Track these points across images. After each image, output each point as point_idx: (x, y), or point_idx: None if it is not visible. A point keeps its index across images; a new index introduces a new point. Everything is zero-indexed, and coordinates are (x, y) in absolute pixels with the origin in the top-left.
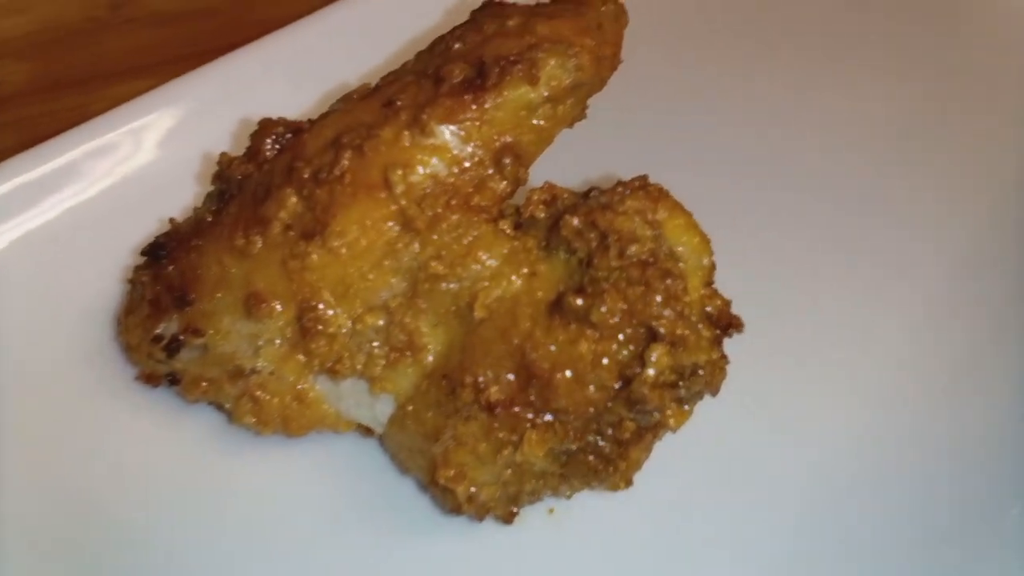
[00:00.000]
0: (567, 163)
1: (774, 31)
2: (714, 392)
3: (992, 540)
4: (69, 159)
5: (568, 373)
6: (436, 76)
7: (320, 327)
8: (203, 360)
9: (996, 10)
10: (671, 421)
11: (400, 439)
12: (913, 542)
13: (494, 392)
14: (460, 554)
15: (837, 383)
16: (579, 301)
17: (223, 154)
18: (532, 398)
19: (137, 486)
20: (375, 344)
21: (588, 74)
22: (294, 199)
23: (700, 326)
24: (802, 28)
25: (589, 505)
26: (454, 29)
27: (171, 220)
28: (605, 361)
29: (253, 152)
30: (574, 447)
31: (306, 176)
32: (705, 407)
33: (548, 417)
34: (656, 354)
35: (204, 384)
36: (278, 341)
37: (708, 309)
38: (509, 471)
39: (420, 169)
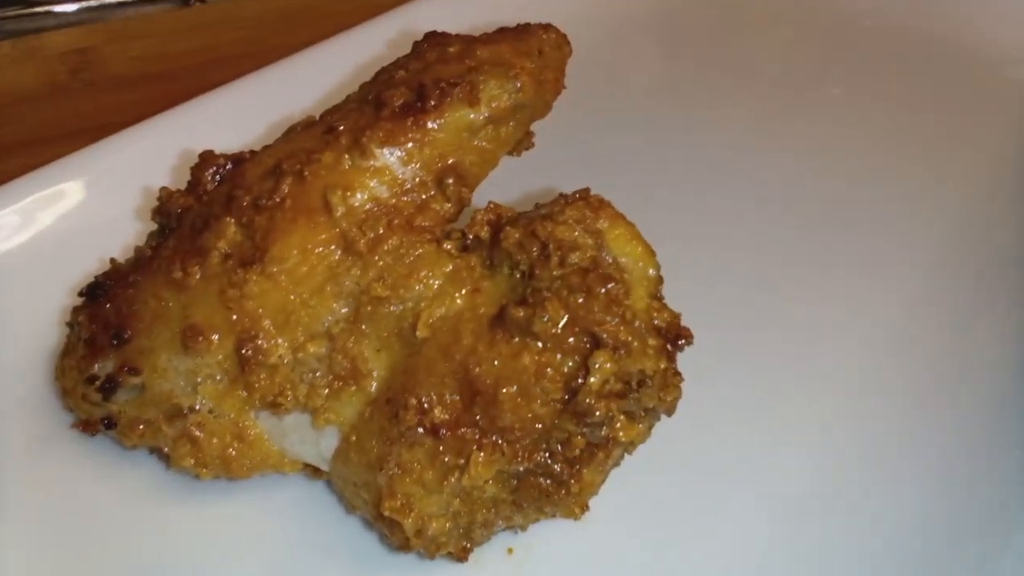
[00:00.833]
0: (516, 190)
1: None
2: (669, 411)
3: (983, 539)
4: (11, 208)
5: (513, 388)
6: (377, 101)
7: (260, 358)
8: (140, 401)
9: (962, 42)
10: (620, 435)
11: (345, 474)
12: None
13: (438, 413)
14: None
15: (806, 405)
16: (520, 312)
17: (163, 188)
18: (477, 417)
19: (72, 541)
20: (317, 373)
21: (529, 95)
22: (233, 228)
23: (646, 335)
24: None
25: (549, 544)
26: (397, 60)
27: (112, 260)
28: (549, 372)
29: (194, 184)
30: (523, 468)
31: (245, 204)
32: (667, 431)
33: (495, 438)
34: (599, 361)
35: (142, 427)
36: (217, 376)
37: (656, 322)
38: (458, 500)
39: (360, 192)
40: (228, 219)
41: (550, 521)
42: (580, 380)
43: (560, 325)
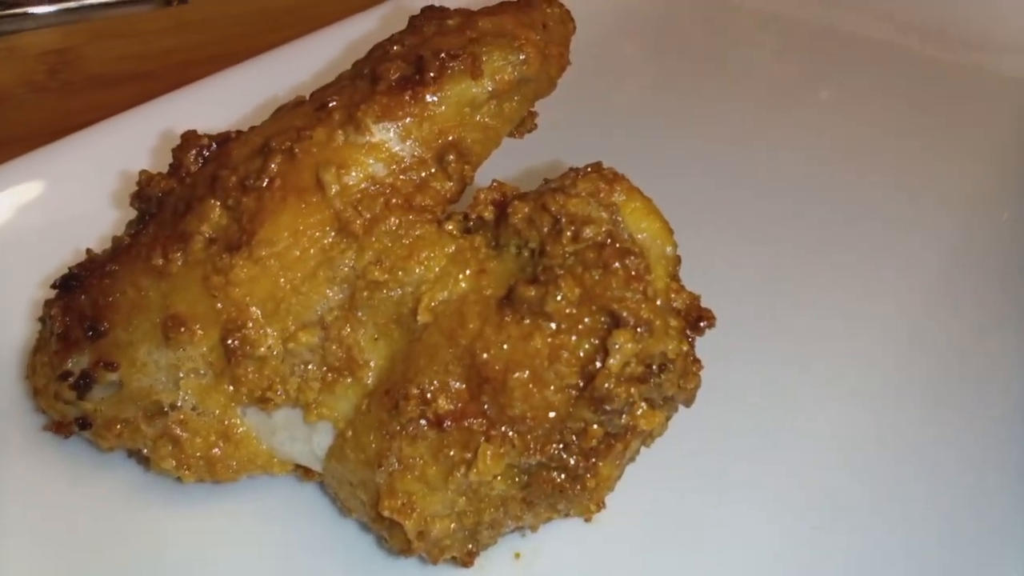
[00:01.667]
0: (518, 174)
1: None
2: (688, 401)
3: (985, 539)
4: None
5: (524, 373)
6: (372, 76)
7: (248, 349)
8: (117, 398)
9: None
10: (641, 422)
11: (340, 473)
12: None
13: (442, 403)
14: None
15: (824, 399)
16: (531, 291)
17: (143, 172)
18: (485, 407)
19: (45, 552)
20: (309, 365)
21: (534, 69)
22: (218, 210)
23: (668, 314)
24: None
25: (558, 548)
26: (392, 35)
27: (88, 251)
28: (564, 355)
29: (176, 166)
30: (535, 461)
31: (231, 184)
32: (680, 431)
33: (505, 429)
34: (620, 340)
35: (119, 427)
36: (201, 370)
37: (675, 304)
38: (464, 499)
39: (356, 170)
40: (212, 201)
41: (559, 524)
42: (598, 364)
43: (575, 303)
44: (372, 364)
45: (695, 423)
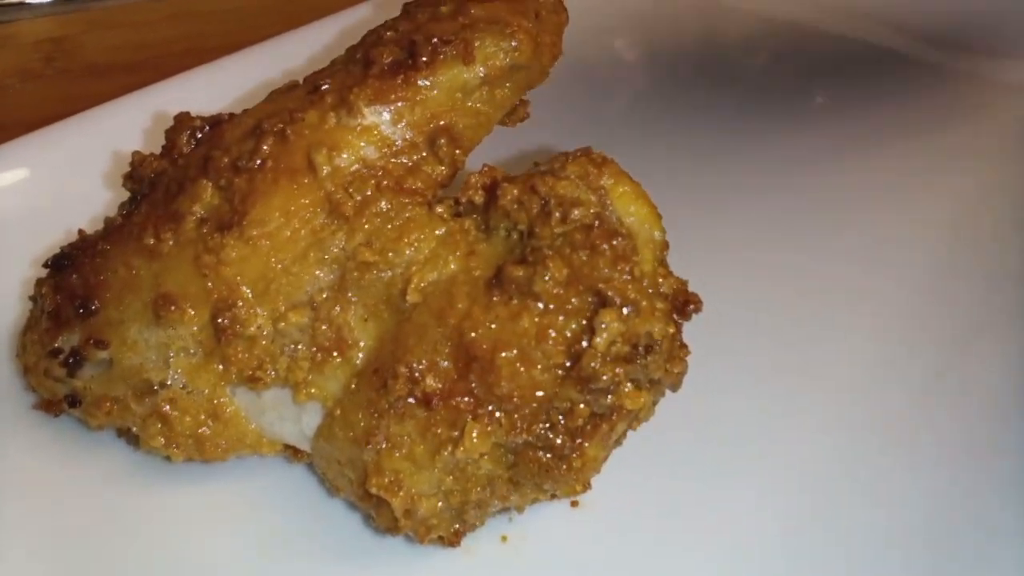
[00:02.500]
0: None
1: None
2: (675, 386)
3: (979, 539)
4: None
5: (512, 352)
6: (365, 60)
7: (238, 328)
8: (107, 376)
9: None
10: (627, 402)
11: (329, 452)
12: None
13: (430, 381)
14: None
15: (814, 389)
16: (520, 271)
17: (135, 153)
18: (473, 385)
19: (33, 531)
20: (299, 345)
21: (526, 56)
22: (210, 191)
23: (654, 295)
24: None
25: (546, 531)
26: (385, 22)
27: (80, 231)
28: (552, 335)
29: (168, 147)
30: (522, 440)
31: (223, 165)
32: (668, 416)
33: (492, 408)
34: (606, 320)
35: (108, 404)
36: (191, 349)
37: (662, 289)
38: (451, 478)
39: (347, 152)
40: (204, 182)
41: (545, 508)
42: (584, 344)
43: (563, 283)
44: (361, 344)
45: (682, 409)
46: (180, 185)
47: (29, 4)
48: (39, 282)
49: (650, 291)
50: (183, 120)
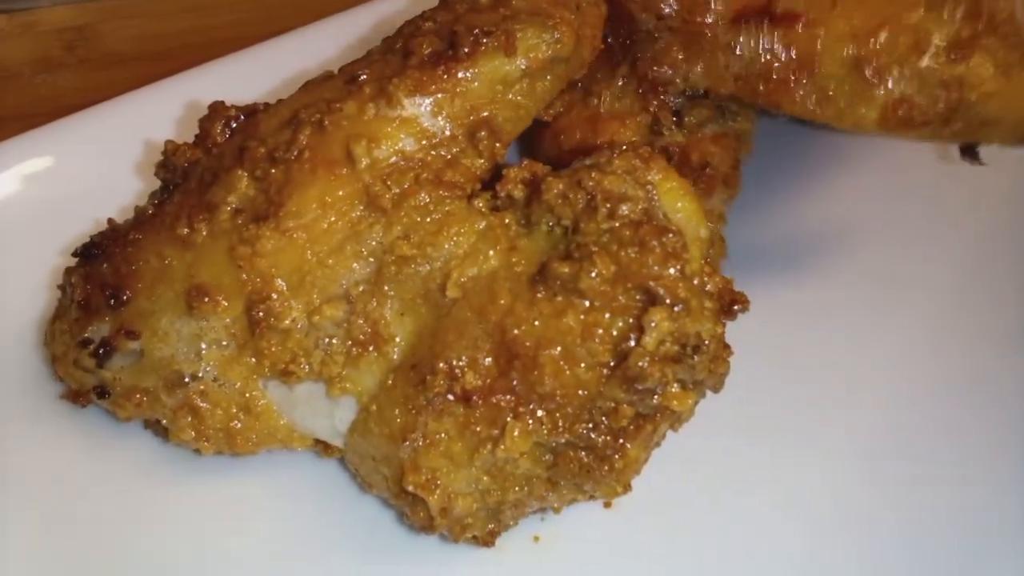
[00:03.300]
0: None
1: None
2: (717, 387)
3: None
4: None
5: (555, 350)
6: (405, 51)
7: (272, 321)
8: (137, 368)
9: None
10: (674, 402)
11: (363, 448)
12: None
13: (470, 378)
14: None
15: (848, 402)
16: (565, 268)
17: (168, 141)
18: (515, 383)
19: (60, 522)
20: (334, 339)
21: (568, 48)
22: (245, 181)
23: (704, 295)
24: None
25: (579, 532)
26: (423, 12)
27: (110, 221)
28: (598, 333)
29: (202, 137)
30: (563, 441)
31: (259, 155)
32: (710, 414)
33: (533, 406)
34: (656, 318)
35: (138, 396)
36: (224, 341)
37: (708, 287)
38: (488, 477)
39: (386, 143)
40: (240, 172)
41: (579, 509)
42: (631, 343)
43: (610, 281)
44: (398, 339)
45: (722, 411)
46: (214, 175)
47: None
48: (68, 271)
49: (699, 290)
50: (218, 109)
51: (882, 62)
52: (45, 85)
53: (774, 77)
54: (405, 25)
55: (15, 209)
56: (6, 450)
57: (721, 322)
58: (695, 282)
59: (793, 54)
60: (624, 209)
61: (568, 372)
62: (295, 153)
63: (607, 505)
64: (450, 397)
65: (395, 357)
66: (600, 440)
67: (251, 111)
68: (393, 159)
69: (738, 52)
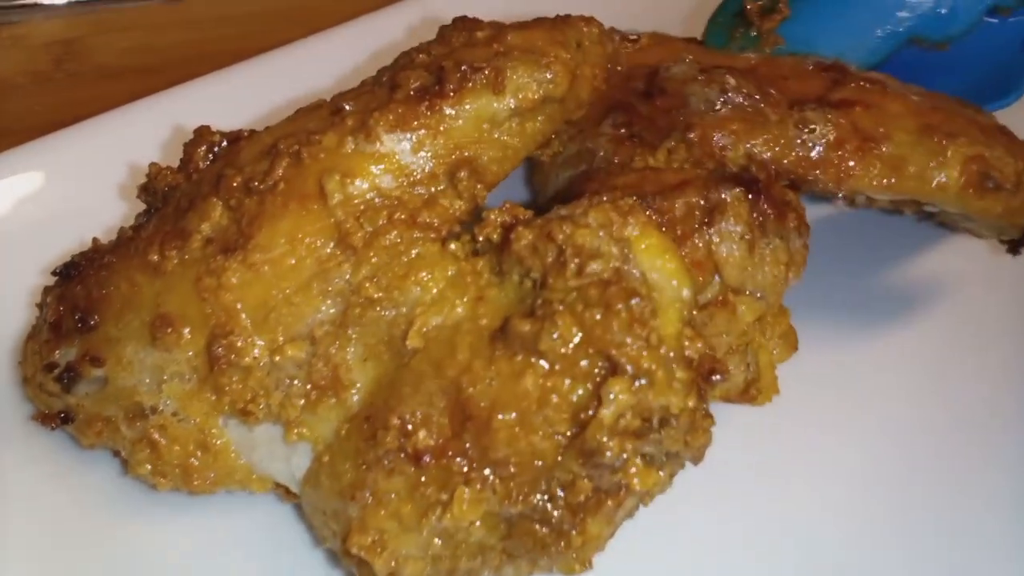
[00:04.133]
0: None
1: None
2: (696, 459)
3: None
4: None
5: (511, 415)
6: (392, 83)
7: (233, 357)
8: (101, 396)
9: None
10: (635, 481)
11: (314, 500)
12: None
13: (422, 437)
14: None
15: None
16: (526, 326)
17: (152, 164)
18: (467, 446)
19: (20, 544)
20: (295, 381)
21: (561, 89)
22: (219, 210)
23: (674, 365)
24: None
25: None
26: (420, 44)
27: (94, 241)
28: (555, 400)
29: (185, 161)
30: (517, 512)
31: (236, 184)
32: (689, 480)
33: (487, 472)
34: (615, 389)
35: (99, 425)
36: (186, 375)
37: (687, 352)
38: (440, 542)
39: (361, 179)
40: (215, 200)
41: None
42: (591, 412)
43: (572, 344)
44: (358, 386)
45: (704, 477)
46: (191, 201)
47: (42, 5)
48: (46, 290)
49: (669, 359)
50: (203, 134)
51: (950, 127)
52: (34, 99)
53: (845, 147)
54: (401, 56)
55: (1, 226)
56: None
57: (697, 392)
58: (663, 351)
59: (859, 127)
60: (594, 266)
61: (523, 439)
62: (270, 184)
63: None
64: (401, 455)
65: (353, 405)
66: (556, 514)
67: (235, 137)
68: (369, 196)
69: (800, 127)
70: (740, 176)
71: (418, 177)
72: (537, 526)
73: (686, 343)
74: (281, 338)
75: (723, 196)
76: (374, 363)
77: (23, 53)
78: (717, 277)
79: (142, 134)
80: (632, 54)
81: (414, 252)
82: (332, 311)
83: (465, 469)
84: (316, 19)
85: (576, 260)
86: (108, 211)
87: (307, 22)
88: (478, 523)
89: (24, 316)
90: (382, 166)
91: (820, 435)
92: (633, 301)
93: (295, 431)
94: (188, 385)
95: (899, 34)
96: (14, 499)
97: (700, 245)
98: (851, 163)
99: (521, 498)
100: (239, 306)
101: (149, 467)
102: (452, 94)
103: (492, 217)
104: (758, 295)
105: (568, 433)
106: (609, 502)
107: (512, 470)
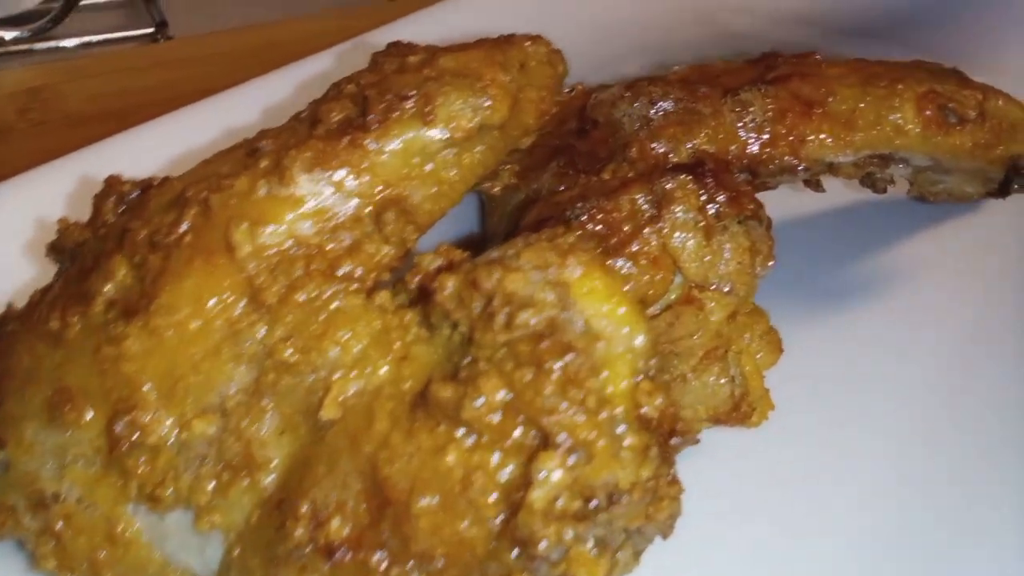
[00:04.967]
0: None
1: None
2: (664, 533)
3: None
4: None
5: (433, 499)
6: (312, 118)
7: (137, 436)
8: (4, 482)
9: None
10: (581, 572)
11: None
12: None
13: (335, 527)
14: None
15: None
16: (448, 390)
17: (61, 220)
18: (386, 536)
19: None
20: (206, 460)
21: (500, 115)
22: (124, 269)
23: (622, 429)
24: None
25: None
26: (351, 74)
27: (9, 305)
28: (481, 479)
29: (94, 215)
30: None
31: (140, 239)
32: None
33: (409, 567)
34: (547, 467)
35: (2, 515)
36: (90, 457)
37: (644, 410)
38: None
39: (275, 227)
40: (118, 258)
41: None
42: (522, 493)
43: (499, 412)
44: (274, 464)
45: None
46: (96, 260)
47: (15, 51)
48: None
49: (613, 426)
50: (112, 184)
51: (894, 74)
52: None
53: (788, 115)
54: (330, 88)
55: None
56: None
57: (657, 459)
58: (602, 416)
59: (799, 95)
60: (524, 317)
61: (448, 527)
62: (175, 237)
63: None
64: (310, 548)
65: (267, 487)
66: None
67: (147, 186)
68: (285, 245)
69: (738, 110)
70: (683, 164)
71: (340, 221)
72: None
73: (643, 399)
74: (189, 412)
75: (668, 185)
76: (290, 437)
77: None
78: (678, 276)
79: (55, 189)
80: (567, 100)
81: (333, 306)
82: (245, 379)
83: (384, 566)
84: (293, 58)
85: (506, 310)
86: (21, 272)
87: (283, 61)
88: None
89: None
90: (299, 211)
91: (817, 446)
92: (568, 357)
93: (206, 518)
94: (92, 469)
95: None
96: None
97: (652, 240)
98: (800, 128)
99: None
100: (142, 377)
101: (55, 562)
102: (376, 126)
103: (424, 263)
104: (725, 288)
105: (500, 517)
106: None
107: (439, 564)
